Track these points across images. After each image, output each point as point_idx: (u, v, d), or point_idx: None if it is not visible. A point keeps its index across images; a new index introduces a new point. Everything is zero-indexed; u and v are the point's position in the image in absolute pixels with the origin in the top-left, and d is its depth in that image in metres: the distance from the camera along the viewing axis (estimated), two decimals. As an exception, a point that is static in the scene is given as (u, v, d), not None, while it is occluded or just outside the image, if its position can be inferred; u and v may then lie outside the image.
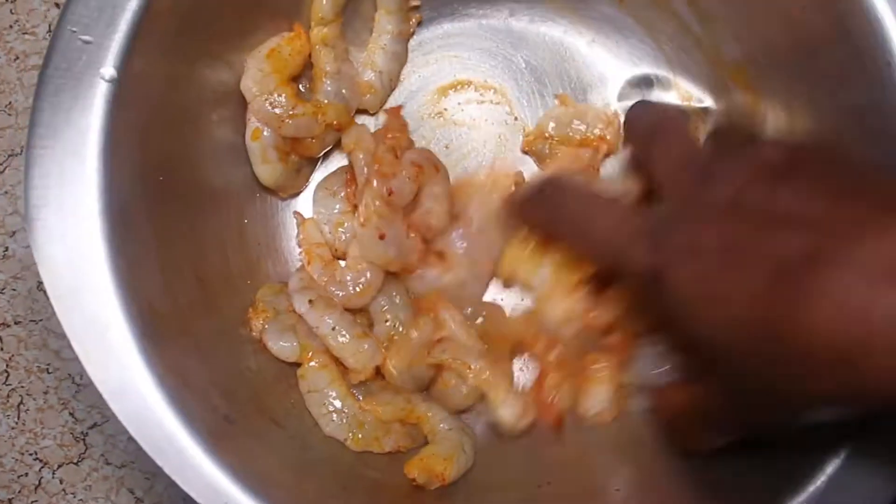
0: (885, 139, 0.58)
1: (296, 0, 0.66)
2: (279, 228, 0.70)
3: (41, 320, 0.76)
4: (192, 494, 0.54)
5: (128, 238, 0.56)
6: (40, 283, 0.75)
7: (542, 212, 0.61)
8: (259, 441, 0.59)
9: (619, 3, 0.70)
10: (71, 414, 0.75)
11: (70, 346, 0.70)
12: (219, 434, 0.56)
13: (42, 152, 0.54)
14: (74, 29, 0.54)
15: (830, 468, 0.55)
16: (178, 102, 0.61)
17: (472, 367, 0.64)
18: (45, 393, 0.75)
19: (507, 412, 0.64)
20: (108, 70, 0.55)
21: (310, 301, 0.64)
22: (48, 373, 0.75)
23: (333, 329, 0.64)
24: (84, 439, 0.75)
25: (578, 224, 0.58)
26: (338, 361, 0.64)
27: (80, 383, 0.75)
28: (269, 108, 0.64)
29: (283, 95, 0.64)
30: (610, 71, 0.72)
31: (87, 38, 0.54)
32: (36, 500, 0.75)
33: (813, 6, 0.60)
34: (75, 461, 0.75)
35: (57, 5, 0.77)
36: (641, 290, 0.53)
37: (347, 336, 0.64)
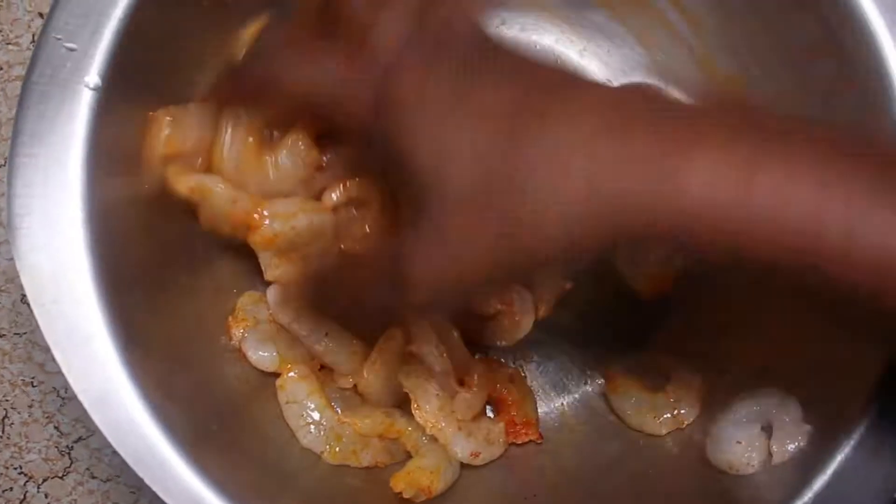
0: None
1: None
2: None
3: (25, 333, 0.76)
4: (175, 507, 0.54)
5: (112, 247, 0.56)
6: (24, 295, 0.75)
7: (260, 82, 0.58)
8: (243, 452, 0.60)
9: (610, 12, 0.71)
10: (56, 427, 0.76)
11: (55, 359, 0.72)
12: (202, 445, 0.56)
13: (26, 161, 0.55)
14: (59, 36, 0.55)
15: (818, 485, 0.55)
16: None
17: (424, 408, 0.64)
18: (30, 406, 0.76)
19: (459, 452, 0.65)
20: (93, 78, 0.55)
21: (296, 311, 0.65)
22: (33, 386, 0.76)
23: (326, 335, 0.64)
24: (69, 453, 0.76)
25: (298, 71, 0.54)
26: (317, 373, 0.65)
27: (65, 396, 0.76)
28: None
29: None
30: (602, 80, 0.72)
31: (71, 45, 0.55)
32: (21, 515, 0.75)
33: (807, 17, 0.61)
34: (60, 475, 0.76)
35: (41, 15, 0.78)
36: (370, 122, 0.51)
37: (341, 340, 0.65)
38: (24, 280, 0.54)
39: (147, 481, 0.54)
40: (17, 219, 0.54)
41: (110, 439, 0.54)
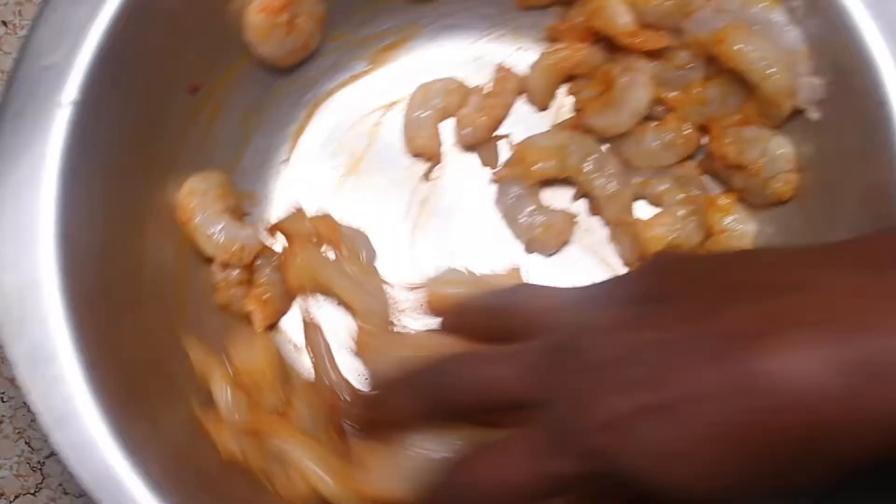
0: (876, 178, 0.61)
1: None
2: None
3: (-8, 349, 0.78)
4: (133, 534, 0.56)
5: (82, 268, 0.58)
6: (-9, 309, 0.77)
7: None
8: (208, 481, 0.61)
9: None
10: (27, 443, 0.77)
11: (24, 376, 0.74)
12: (165, 472, 0.58)
13: (-1, 178, 0.57)
14: (39, 51, 0.57)
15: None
16: (148, 131, 0.64)
17: None
18: (0, 422, 0.78)
19: None
20: (71, 94, 0.57)
21: None
22: (2, 402, 0.77)
23: None
24: (41, 469, 0.77)
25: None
26: None
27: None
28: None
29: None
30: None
31: (51, 60, 0.57)
32: (-8, 532, 0.77)
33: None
34: (32, 491, 0.77)
35: (4, 23, 0.80)
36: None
37: None
38: (-8, 297, 0.56)
39: (103, 505, 0.56)
40: (-14, 235, 0.56)
41: (69, 460, 0.56)
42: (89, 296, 0.59)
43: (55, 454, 0.75)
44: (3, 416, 0.77)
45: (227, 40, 0.67)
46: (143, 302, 0.64)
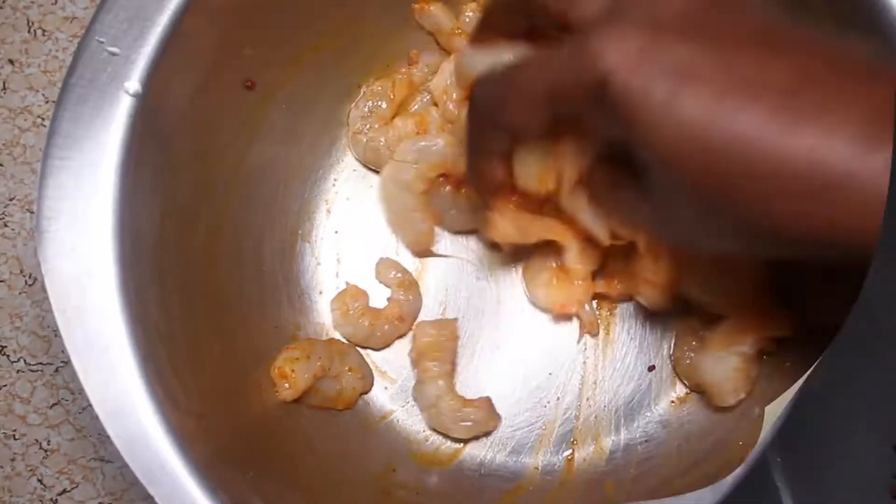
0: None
1: (338, 24, 0.72)
2: (298, 266, 0.76)
3: (4, 386, 0.79)
4: (182, 526, 0.57)
5: (139, 258, 0.60)
6: (3, 346, 0.79)
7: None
8: (259, 477, 0.63)
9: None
10: (39, 480, 0.78)
11: (36, 412, 0.75)
12: (216, 466, 0.59)
13: (59, 163, 0.59)
14: (102, 39, 0.59)
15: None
16: (206, 126, 0.66)
17: None
18: (12, 460, 0.78)
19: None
20: (133, 84, 0.60)
21: None
22: (14, 439, 0.78)
23: None
24: (53, 506, 0.78)
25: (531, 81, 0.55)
26: None
27: (48, 449, 0.78)
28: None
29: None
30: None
31: (113, 49, 0.60)
32: (6, 571, 0.77)
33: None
34: (45, 529, 0.78)
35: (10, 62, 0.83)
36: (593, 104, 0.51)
37: None
38: (49, 285, 0.58)
39: (157, 499, 0.57)
40: (45, 222, 0.58)
41: (122, 452, 0.57)
42: (144, 287, 0.60)
43: (67, 491, 0.77)
44: (14, 453, 0.78)
45: (284, 39, 0.70)
46: (196, 295, 0.66)
